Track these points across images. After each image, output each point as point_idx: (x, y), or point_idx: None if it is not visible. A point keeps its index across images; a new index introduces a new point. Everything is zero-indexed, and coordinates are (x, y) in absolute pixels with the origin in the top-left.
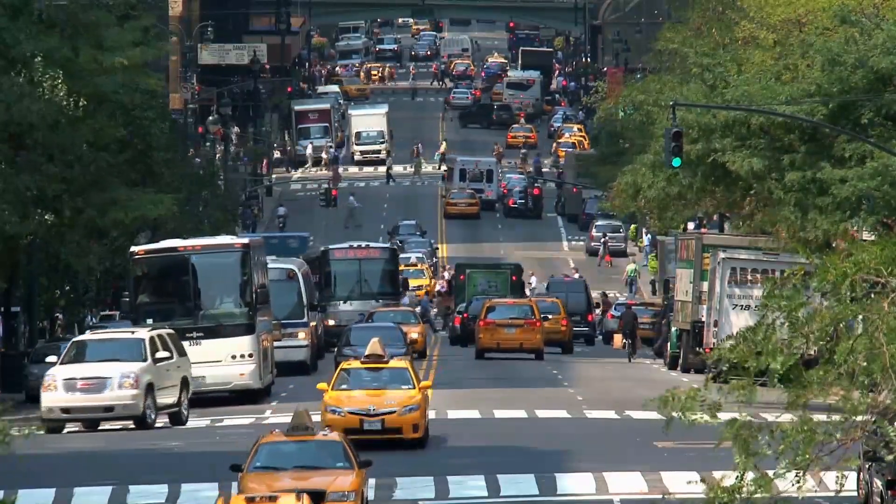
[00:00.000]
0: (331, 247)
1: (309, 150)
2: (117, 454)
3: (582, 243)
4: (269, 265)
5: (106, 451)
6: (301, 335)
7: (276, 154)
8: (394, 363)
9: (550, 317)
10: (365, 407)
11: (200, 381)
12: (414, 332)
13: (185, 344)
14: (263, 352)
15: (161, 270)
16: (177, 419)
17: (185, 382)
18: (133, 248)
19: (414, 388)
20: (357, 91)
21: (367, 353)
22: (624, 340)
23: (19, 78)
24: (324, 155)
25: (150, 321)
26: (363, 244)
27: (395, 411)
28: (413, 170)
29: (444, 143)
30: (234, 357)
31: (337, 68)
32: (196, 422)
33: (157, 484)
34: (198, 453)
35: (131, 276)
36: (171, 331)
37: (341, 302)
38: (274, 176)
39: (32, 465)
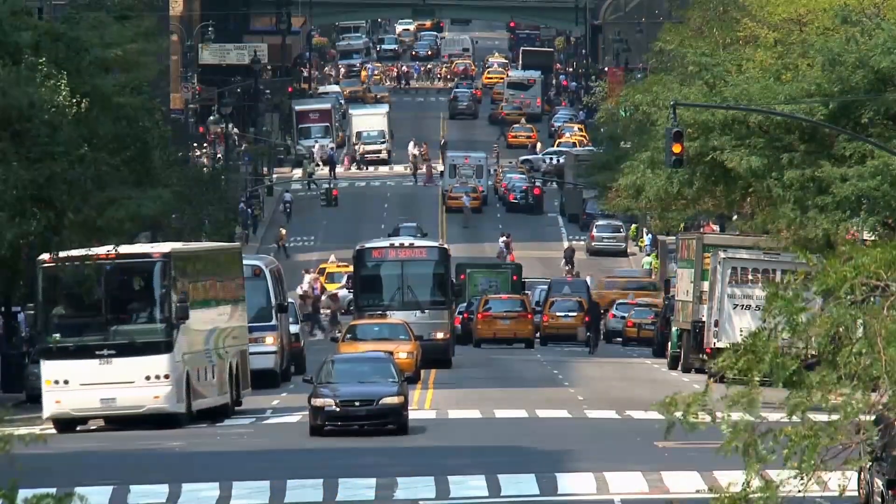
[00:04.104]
0: (367, 245)
1: (317, 149)
2: (117, 454)
3: (582, 243)
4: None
5: (106, 451)
6: (269, 340)
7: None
8: None
9: (574, 314)
10: None
11: (111, 403)
12: (403, 351)
13: (95, 362)
14: (215, 368)
15: (72, 281)
16: None
17: None
18: (42, 256)
19: None
20: (374, 98)
21: None
22: (587, 334)
23: (19, 66)
24: (415, 151)
25: (57, 336)
26: (407, 242)
27: None
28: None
29: (361, 144)
30: (148, 378)
31: (332, 69)
32: (196, 422)
33: (157, 484)
34: (198, 453)
35: (38, 287)
36: None
37: (378, 311)
38: (275, 176)
39: (32, 464)
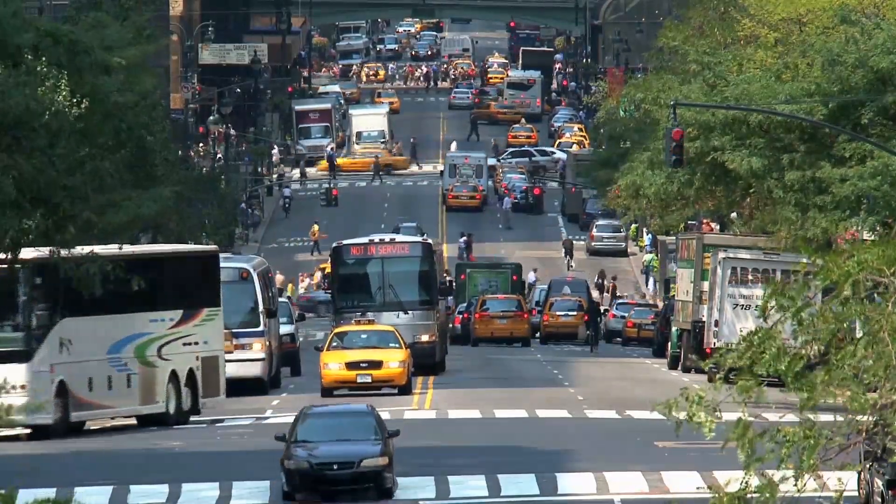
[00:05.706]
0: (345, 242)
1: (275, 152)
2: (117, 454)
3: (582, 243)
4: (220, 264)
5: (106, 451)
6: (256, 347)
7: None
8: None
9: (574, 313)
10: None
11: None
12: (394, 360)
13: None
14: (131, 377)
15: None
16: None
17: None
18: None
19: None
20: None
21: None
22: (587, 332)
23: (20, 69)
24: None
25: None
26: (387, 238)
27: None
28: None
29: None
30: (2, 388)
31: (332, 69)
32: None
33: (157, 484)
34: (198, 453)
35: None
36: None
37: (358, 314)
38: (275, 176)
39: (32, 464)
